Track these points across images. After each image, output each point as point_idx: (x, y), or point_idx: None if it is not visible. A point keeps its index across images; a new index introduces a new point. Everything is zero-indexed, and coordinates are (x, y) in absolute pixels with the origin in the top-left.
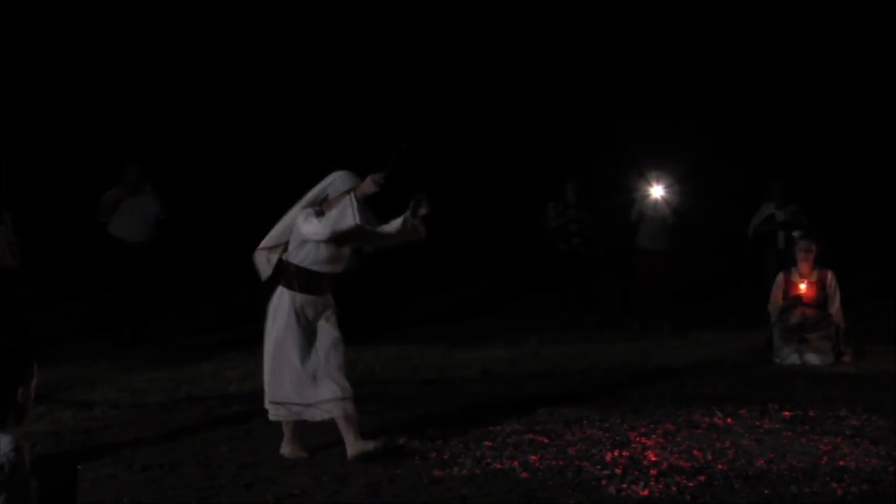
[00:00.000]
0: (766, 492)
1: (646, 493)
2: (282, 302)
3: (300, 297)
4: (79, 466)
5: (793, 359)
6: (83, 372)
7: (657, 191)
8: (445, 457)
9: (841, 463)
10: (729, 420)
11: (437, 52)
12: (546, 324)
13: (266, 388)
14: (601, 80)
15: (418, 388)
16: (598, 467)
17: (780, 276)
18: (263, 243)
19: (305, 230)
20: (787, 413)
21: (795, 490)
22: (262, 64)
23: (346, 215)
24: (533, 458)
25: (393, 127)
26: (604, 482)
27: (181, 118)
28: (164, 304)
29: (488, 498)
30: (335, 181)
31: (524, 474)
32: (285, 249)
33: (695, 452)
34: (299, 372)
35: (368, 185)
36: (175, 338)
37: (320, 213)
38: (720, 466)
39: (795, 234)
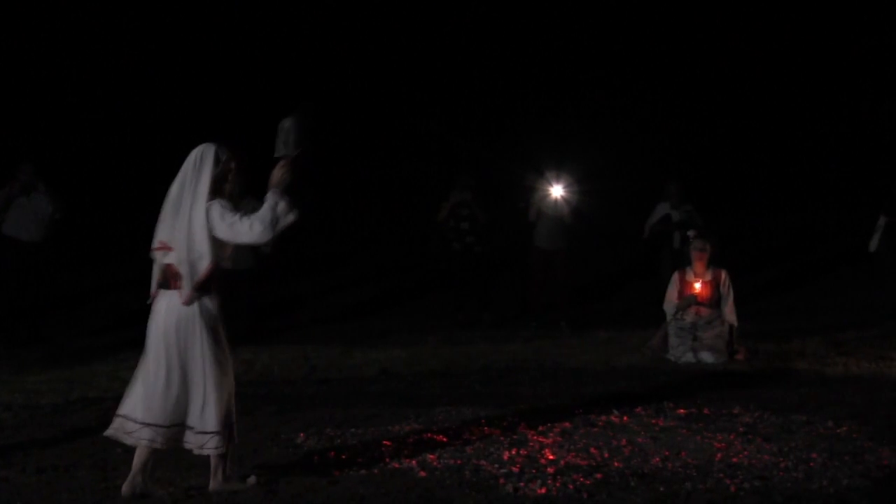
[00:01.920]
0: (662, 489)
1: (543, 491)
2: (204, 310)
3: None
4: None
5: (687, 357)
6: None
7: (557, 190)
8: (343, 456)
9: (734, 460)
10: (625, 418)
11: (339, 46)
12: (444, 323)
13: (217, 412)
14: (502, 77)
15: (316, 388)
16: (496, 466)
17: (676, 276)
18: (200, 272)
19: (240, 236)
20: (681, 411)
21: (690, 487)
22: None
23: (285, 216)
24: (431, 457)
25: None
26: (501, 481)
27: (73, 117)
28: (57, 305)
29: (386, 497)
30: (218, 157)
31: (422, 473)
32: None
33: (591, 450)
34: None
35: (283, 176)
36: (69, 338)
37: (231, 207)
38: (616, 464)
39: (690, 233)
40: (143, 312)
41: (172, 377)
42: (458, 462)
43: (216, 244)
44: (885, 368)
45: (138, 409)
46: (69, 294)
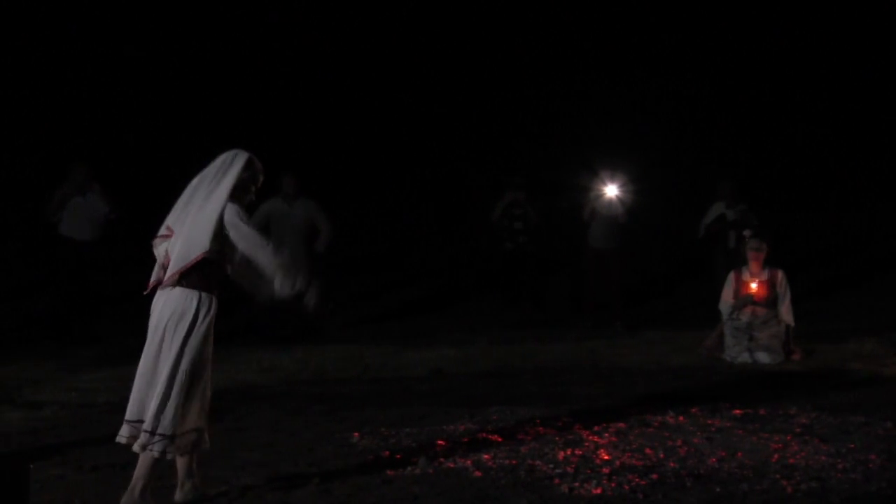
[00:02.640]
0: (717, 490)
1: (598, 491)
2: (202, 308)
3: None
4: (30, 467)
5: (743, 357)
6: (31, 372)
7: (611, 190)
8: (398, 456)
9: (790, 461)
10: (680, 418)
11: (387, 48)
12: (496, 323)
13: (174, 416)
14: (556, 78)
15: (369, 388)
16: (551, 466)
17: (731, 275)
18: (189, 257)
19: (252, 250)
20: (737, 411)
21: (746, 488)
22: (203, 63)
23: (284, 283)
24: (486, 456)
25: (341, 126)
26: (556, 481)
27: (129, 118)
28: (112, 303)
29: (440, 497)
30: (251, 164)
31: (477, 473)
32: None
33: (647, 451)
34: None
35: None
36: (123, 337)
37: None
38: (672, 465)
39: (745, 233)
40: None
41: (147, 373)
42: (513, 462)
43: (219, 241)
44: None
45: (129, 410)
46: (123, 292)
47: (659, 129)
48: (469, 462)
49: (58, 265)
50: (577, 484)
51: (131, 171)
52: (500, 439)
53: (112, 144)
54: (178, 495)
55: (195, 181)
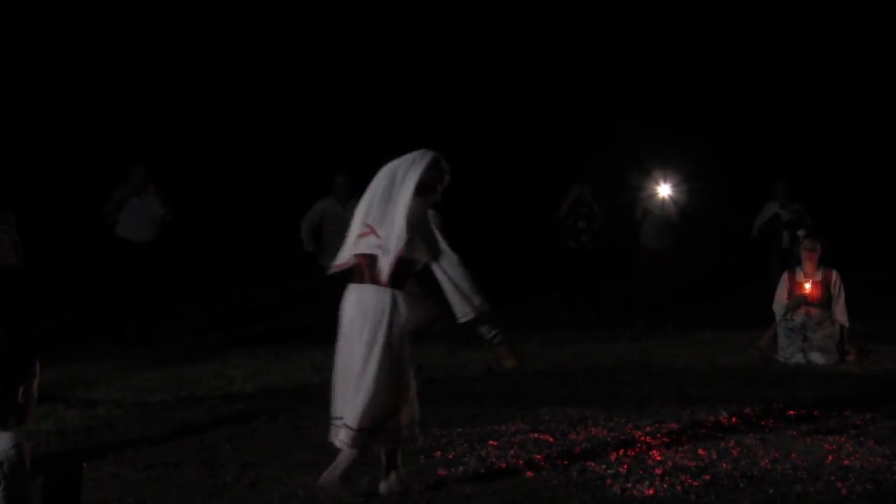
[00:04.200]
0: (771, 491)
1: (651, 492)
2: (397, 306)
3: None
4: (84, 465)
5: (797, 358)
6: (86, 371)
7: (664, 189)
8: (450, 456)
9: (845, 462)
10: (733, 419)
11: (434, 49)
12: (549, 322)
13: (364, 410)
14: (609, 77)
15: (422, 387)
16: (603, 466)
17: (785, 275)
18: (395, 249)
19: (432, 248)
20: (791, 412)
21: (800, 489)
22: (261, 67)
23: (462, 307)
24: (538, 457)
25: (392, 124)
26: (609, 481)
27: (186, 120)
28: (167, 303)
29: (493, 497)
30: (438, 164)
31: (529, 473)
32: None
33: (699, 452)
34: None
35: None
36: (178, 337)
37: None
38: (725, 466)
39: (800, 233)
40: (250, 311)
41: (348, 370)
42: (565, 462)
43: (412, 233)
44: None
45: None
46: (178, 293)
47: (713, 128)
48: (521, 462)
49: (114, 266)
50: (629, 484)
51: (187, 173)
52: (552, 439)
53: (169, 147)
54: (382, 487)
55: (384, 180)
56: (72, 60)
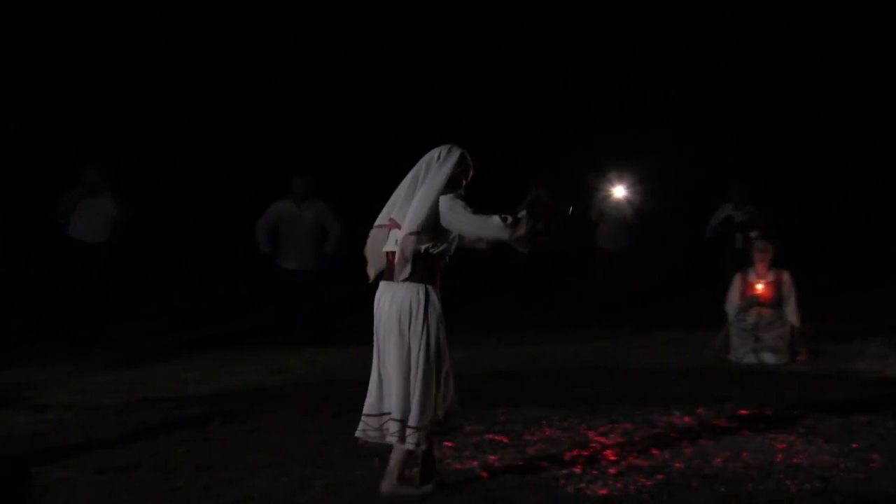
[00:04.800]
0: (723, 490)
1: (605, 492)
2: (431, 301)
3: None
4: (32, 470)
5: (749, 358)
6: (37, 374)
7: (619, 190)
8: None
9: (795, 461)
10: (686, 419)
11: (398, 50)
12: (505, 323)
13: (421, 408)
14: (564, 79)
15: None
16: (558, 467)
17: (738, 277)
18: (411, 227)
19: (477, 229)
20: (743, 412)
21: (751, 488)
22: (217, 68)
23: (521, 241)
24: (492, 458)
25: (349, 127)
26: (563, 482)
27: (144, 121)
28: (119, 306)
29: (448, 498)
30: (464, 159)
31: (483, 474)
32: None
33: (653, 451)
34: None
35: (535, 232)
36: (132, 339)
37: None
38: (678, 465)
39: (752, 234)
40: (206, 313)
41: (390, 367)
42: (520, 463)
43: (435, 231)
44: None
45: (368, 405)
46: (132, 295)
47: (668, 128)
48: (476, 463)
49: (65, 267)
50: (583, 485)
51: (144, 174)
52: (506, 440)
53: (127, 148)
54: (384, 484)
55: (411, 175)
56: (26, 61)
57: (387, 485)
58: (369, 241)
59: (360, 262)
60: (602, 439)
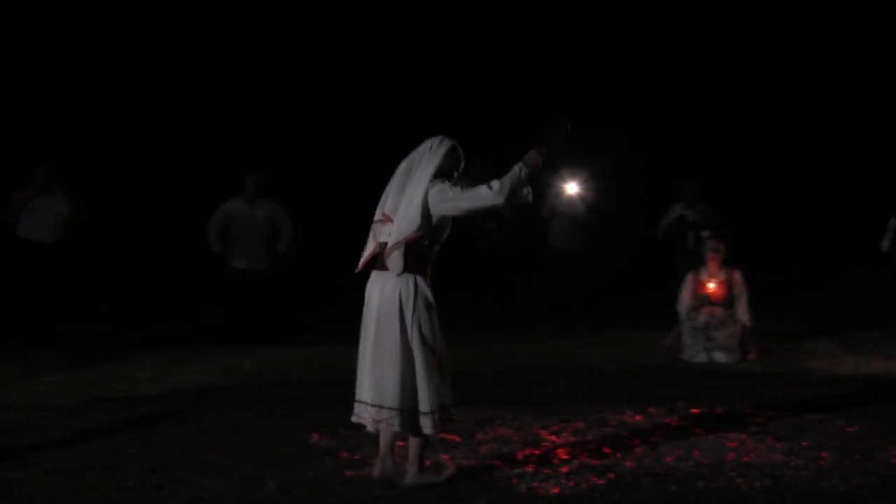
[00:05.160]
0: (674, 488)
1: (556, 490)
2: (421, 291)
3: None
4: None
5: (700, 357)
6: None
7: (572, 187)
8: (357, 457)
9: (746, 459)
10: (638, 418)
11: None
12: (459, 323)
13: (436, 397)
14: (517, 72)
15: (330, 389)
16: (510, 466)
17: (689, 276)
18: (402, 235)
19: (467, 202)
20: (694, 410)
21: (702, 486)
22: (169, 67)
23: (523, 192)
24: (445, 457)
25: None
26: (515, 481)
27: (96, 119)
28: (70, 305)
29: (400, 498)
30: (455, 150)
31: None
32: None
33: (605, 450)
34: None
35: (536, 161)
36: (82, 339)
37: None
38: (629, 464)
39: (704, 234)
40: (156, 313)
41: (384, 357)
42: (472, 462)
43: (428, 222)
44: (894, 368)
45: (361, 391)
46: (82, 295)
47: (621, 126)
48: (428, 462)
49: (14, 267)
50: (535, 484)
51: (94, 173)
52: (459, 439)
53: (79, 146)
54: (375, 469)
55: (403, 167)
56: None
57: (410, 476)
58: (371, 235)
59: (311, 262)
60: (554, 438)
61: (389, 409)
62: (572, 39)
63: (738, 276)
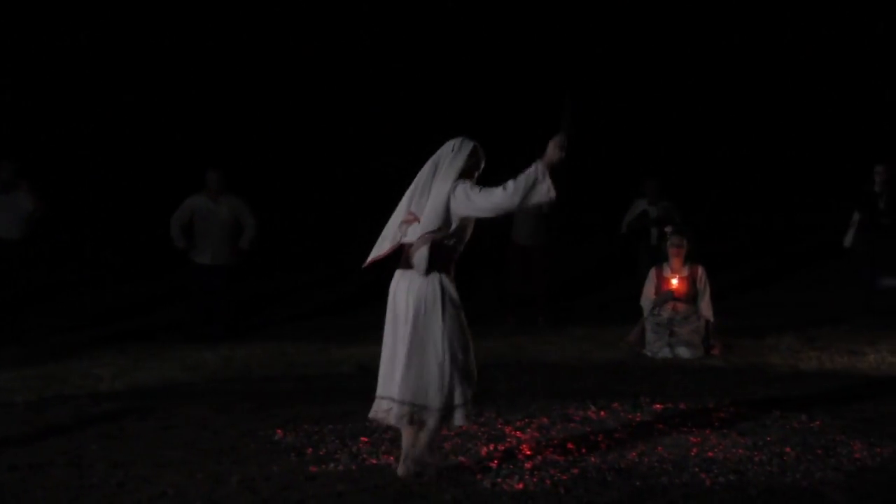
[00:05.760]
0: (638, 484)
1: (521, 486)
2: (447, 290)
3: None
4: None
5: (664, 352)
6: None
7: None
8: (321, 452)
9: (710, 454)
10: (602, 413)
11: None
12: None
13: (468, 389)
14: (477, 64)
15: (293, 385)
16: (474, 461)
17: (653, 272)
18: (427, 233)
19: (485, 203)
20: (658, 406)
21: (666, 481)
22: (134, 62)
23: (542, 189)
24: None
25: (269, 121)
26: (479, 476)
27: (59, 114)
28: (32, 302)
29: (364, 494)
30: (476, 151)
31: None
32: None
33: (568, 446)
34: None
35: (555, 153)
36: (45, 335)
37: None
38: (593, 459)
39: (667, 229)
40: (120, 308)
41: (412, 354)
42: (437, 458)
43: (452, 221)
44: (857, 363)
45: (384, 387)
46: (45, 291)
47: (585, 121)
48: (392, 458)
49: None
50: (499, 479)
51: (60, 169)
52: None
53: (37, 142)
54: (401, 469)
55: (427, 167)
56: None
57: (426, 457)
58: (387, 231)
59: (275, 258)
60: (518, 434)
61: (423, 405)
62: (536, 32)
63: (700, 272)
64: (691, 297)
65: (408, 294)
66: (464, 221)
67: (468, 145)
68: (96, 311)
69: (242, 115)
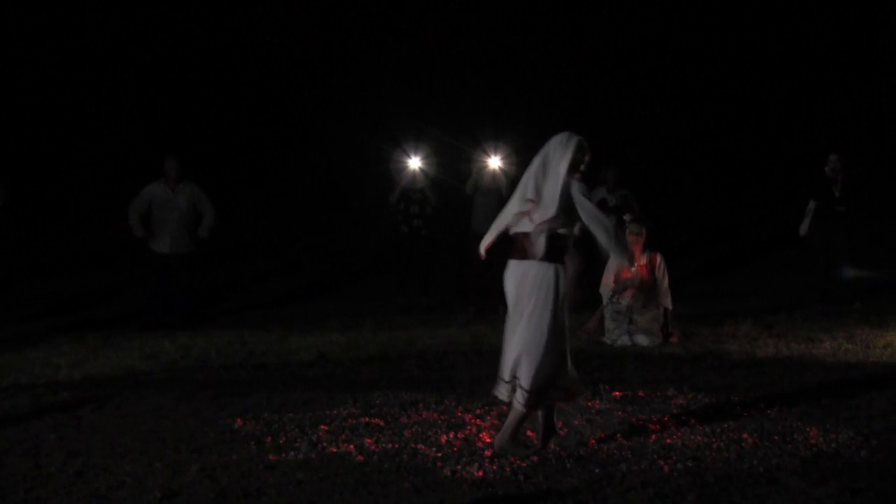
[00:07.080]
0: (597, 471)
1: (480, 474)
2: (560, 279)
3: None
4: None
5: (623, 340)
6: None
7: (494, 161)
8: (281, 441)
9: (668, 441)
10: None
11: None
12: (382, 307)
13: (541, 375)
14: (442, 47)
15: (253, 373)
16: (434, 450)
17: (611, 260)
18: (544, 221)
19: (589, 220)
20: (617, 393)
21: (625, 468)
22: (93, 50)
23: (618, 255)
24: (368, 441)
25: (226, 109)
26: (439, 464)
27: (19, 102)
28: None
29: (324, 482)
30: (582, 146)
31: (360, 458)
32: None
33: (528, 433)
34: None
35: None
36: (1, 324)
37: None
38: (552, 447)
39: (626, 217)
40: (78, 297)
41: (517, 334)
42: (396, 446)
43: (565, 213)
44: (813, 350)
45: (517, 370)
46: (2, 278)
47: (545, 105)
48: (352, 447)
49: None
50: (459, 467)
51: (14, 157)
52: (383, 423)
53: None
54: (498, 438)
55: (537, 161)
56: None
57: (499, 440)
58: (501, 219)
59: (234, 246)
60: (478, 422)
61: (517, 381)
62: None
63: (659, 260)
64: (650, 284)
65: (522, 282)
66: (574, 213)
67: (574, 139)
68: (54, 300)
69: (200, 103)
